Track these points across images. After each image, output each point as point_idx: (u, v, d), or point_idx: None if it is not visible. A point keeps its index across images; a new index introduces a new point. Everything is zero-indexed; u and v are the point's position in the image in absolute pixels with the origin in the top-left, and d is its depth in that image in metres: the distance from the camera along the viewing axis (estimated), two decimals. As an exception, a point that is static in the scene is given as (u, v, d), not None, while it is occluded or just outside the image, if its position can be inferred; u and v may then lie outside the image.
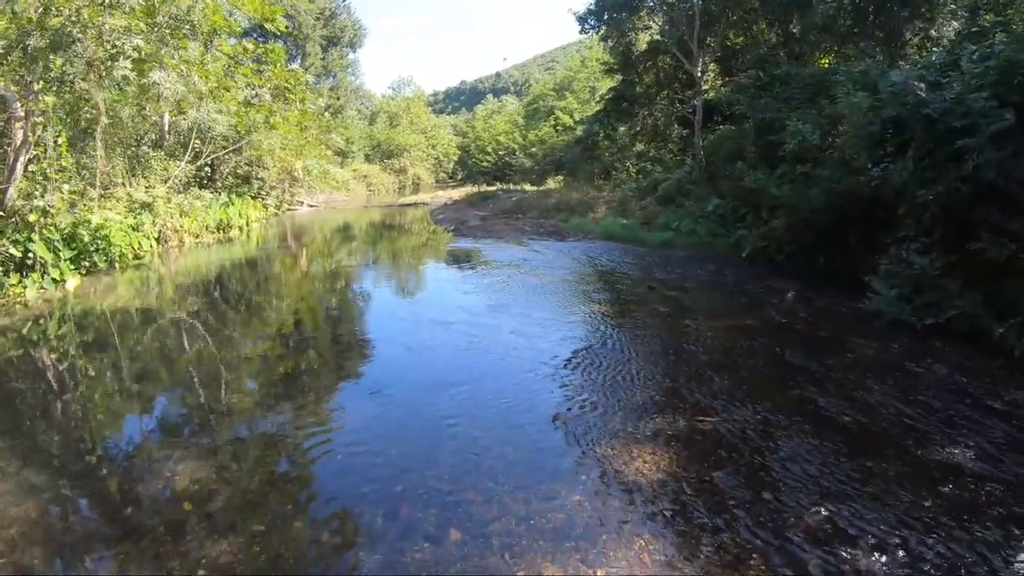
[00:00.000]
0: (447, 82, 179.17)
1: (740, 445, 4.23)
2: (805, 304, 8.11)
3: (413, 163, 53.03)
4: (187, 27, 11.92)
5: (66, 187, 11.55)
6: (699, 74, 21.27)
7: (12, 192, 10.88)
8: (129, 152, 18.32)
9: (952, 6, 16.91)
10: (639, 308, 8.04)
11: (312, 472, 4.04)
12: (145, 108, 17.89)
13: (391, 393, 5.40)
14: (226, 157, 20.21)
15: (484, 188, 33.14)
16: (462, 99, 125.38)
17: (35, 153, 11.08)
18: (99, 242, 13.22)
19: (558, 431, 4.51)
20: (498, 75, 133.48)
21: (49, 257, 10.84)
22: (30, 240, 10.51)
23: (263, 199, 23.78)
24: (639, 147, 27.83)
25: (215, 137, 18.53)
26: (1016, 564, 3.02)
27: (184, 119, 16.77)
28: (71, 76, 10.99)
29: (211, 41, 13.49)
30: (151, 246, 15.47)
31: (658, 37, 23.31)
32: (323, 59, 41.80)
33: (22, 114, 10.82)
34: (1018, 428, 4.44)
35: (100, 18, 10.22)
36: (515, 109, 61.13)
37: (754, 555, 3.09)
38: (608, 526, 3.33)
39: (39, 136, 10.73)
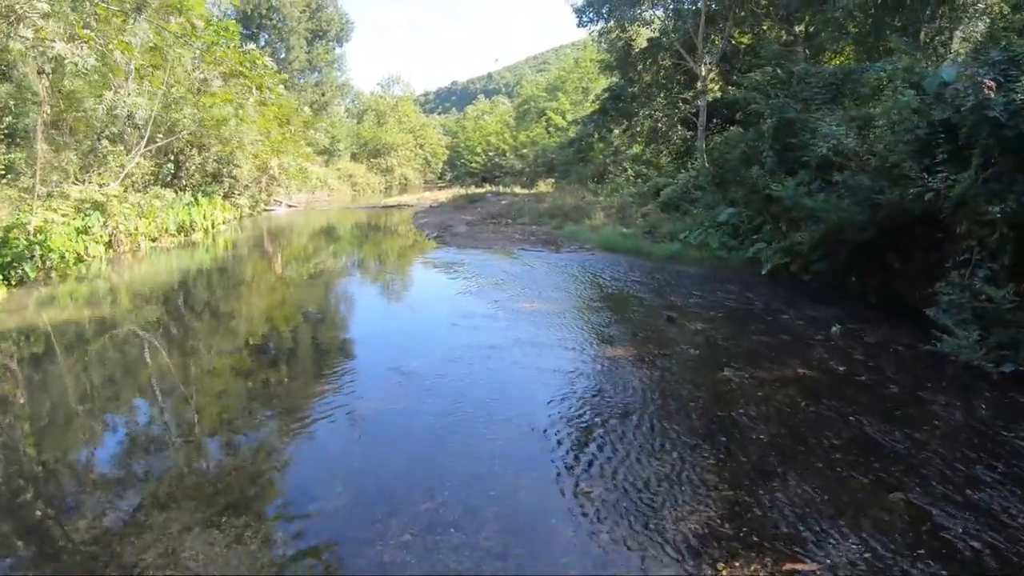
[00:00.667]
0: (438, 82, 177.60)
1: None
2: (855, 341, 6.73)
3: (400, 163, 51.47)
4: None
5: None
6: (703, 73, 19.98)
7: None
8: (84, 146, 16.68)
9: (980, 5, 15.93)
10: (661, 350, 6.42)
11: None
12: (103, 97, 16.33)
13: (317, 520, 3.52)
14: (190, 152, 18.51)
15: (472, 190, 31.65)
16: (453, 99, 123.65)
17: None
18: (36, 248, 11.65)
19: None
20: (490, 76, 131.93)
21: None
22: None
23: (235, 199, 22.12)
24: (635, 149, 26.51)
25: (174, 128, 16.81)
26: None
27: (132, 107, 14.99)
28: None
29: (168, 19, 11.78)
30: (99, 251, 13.86)
31: (658, 34, 22.06)
32: (308, 53, 40.07)
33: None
34: None
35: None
36: (506, 110, 59.75)
37: None
38: None
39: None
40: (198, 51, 11.86)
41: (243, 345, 7.29)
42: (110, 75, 11.96)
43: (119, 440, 4.80)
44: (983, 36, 14.65)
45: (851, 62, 16.55)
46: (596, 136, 27.39)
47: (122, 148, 16.98)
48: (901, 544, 3.25)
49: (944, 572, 3.01)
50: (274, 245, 17.17)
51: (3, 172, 13.42)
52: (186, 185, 19.25)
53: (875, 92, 10.52)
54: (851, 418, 4.74)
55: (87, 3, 9.51)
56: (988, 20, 15.35)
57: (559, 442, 4.47)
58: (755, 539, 3.31)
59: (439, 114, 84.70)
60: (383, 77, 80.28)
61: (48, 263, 11.91)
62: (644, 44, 22.79)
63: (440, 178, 54.96)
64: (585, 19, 21.39)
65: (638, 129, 24.04)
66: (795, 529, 3.40)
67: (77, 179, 15.91)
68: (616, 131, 26.87)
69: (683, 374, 5.70)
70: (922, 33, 15.95)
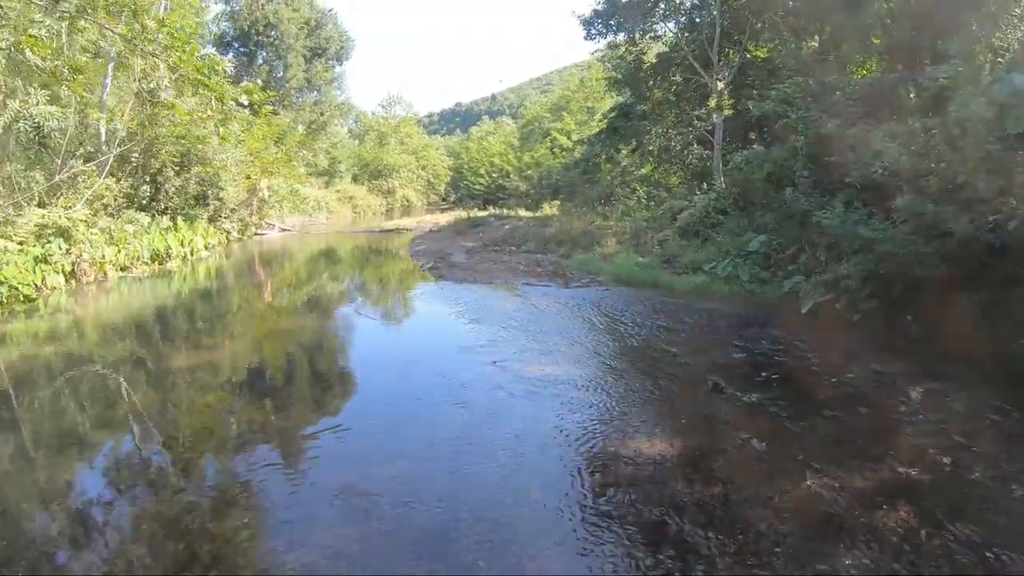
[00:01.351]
0: (442, 104, 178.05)
1: None
2: (942, 410, 5.20)
3: (402, 184, 50.45)
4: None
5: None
6: (719, 88, 18.71)
7: None
8: (54, 165, 15.43)
9: (1018, 10, 14.80)
10: (714, 443, 4.70)
11: None
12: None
13: None
14: (168, 173, 17.22)
15: (475, 213, 30.32)
16: (457, 120, 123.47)
17: None
18: (-17, 279, 10.32)
19: None
20: (494, 97, 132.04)
21: None
22: None
23: (220, 223, 20.81)
24: (645, 170, 25.20)
25: (151, 147, 15.51)
26: None
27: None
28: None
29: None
30: (58, 283, 12.48)
31: (669, 48, 20.89)
32: (306, 71, 39.16)
33: None
34: None
35: None
36: (511, 130, 58.84)
37: None
38: None
39: None
40: (150, 55, 10.50)
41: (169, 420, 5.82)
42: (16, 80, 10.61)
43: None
44: (1020, 43, 13.66)
45: (878, 74, 15.30)
46: (603, 156, 26.16)
47: (93, 167, 15.73)
48: None
49: None
50: (248, 279, 15.59)
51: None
52: (165, 208, 17.95)
53: (935, 101, 9.14)
54: (988, 553, 3.21)
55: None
56: (1024, 29, 14.22)
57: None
58: None
59: (443, 135, 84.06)
60: (384, 98, 79.52)
61: (-3, 297, 10.57)
62: (654, 60, 21.62)
63: (444, 200, 53.83)
64: (593, 31, 20.24)
65: (649, 148, 22.72)
66: None
67: (44, 202, 14.64)
68: (624, 151, 25.61)
69: (754, 488, 3.98)
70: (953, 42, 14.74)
